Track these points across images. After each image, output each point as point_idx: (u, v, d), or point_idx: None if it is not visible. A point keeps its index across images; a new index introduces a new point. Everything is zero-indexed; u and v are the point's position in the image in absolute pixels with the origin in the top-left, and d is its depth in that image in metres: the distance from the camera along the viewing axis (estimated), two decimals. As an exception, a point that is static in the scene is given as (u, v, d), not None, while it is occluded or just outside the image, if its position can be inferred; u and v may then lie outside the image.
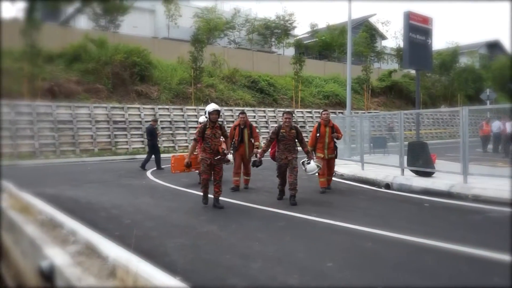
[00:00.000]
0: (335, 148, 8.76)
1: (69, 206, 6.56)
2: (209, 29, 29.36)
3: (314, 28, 39.85)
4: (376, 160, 11.36)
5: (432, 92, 37.88)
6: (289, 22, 34.91)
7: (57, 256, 3.60)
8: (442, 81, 38.97)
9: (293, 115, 9.09)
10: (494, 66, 44.47)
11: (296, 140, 7.42)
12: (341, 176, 10.74)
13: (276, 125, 20.00)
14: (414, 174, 9.22)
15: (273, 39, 35.29)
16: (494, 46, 52.83)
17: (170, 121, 21.67)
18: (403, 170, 9.40)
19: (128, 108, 20.93)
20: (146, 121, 21.06)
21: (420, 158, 9.08)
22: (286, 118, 7.43)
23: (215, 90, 25.09)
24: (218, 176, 6.84)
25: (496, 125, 17.94)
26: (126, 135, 20.31)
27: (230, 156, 7.46)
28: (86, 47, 21.57)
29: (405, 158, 9.40)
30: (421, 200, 7.50)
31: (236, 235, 4.92)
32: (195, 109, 22.97)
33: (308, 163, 7.56)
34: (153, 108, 21.61)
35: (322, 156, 8.47)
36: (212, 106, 6.87)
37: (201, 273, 3.85)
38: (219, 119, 7.12)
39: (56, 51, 20.88)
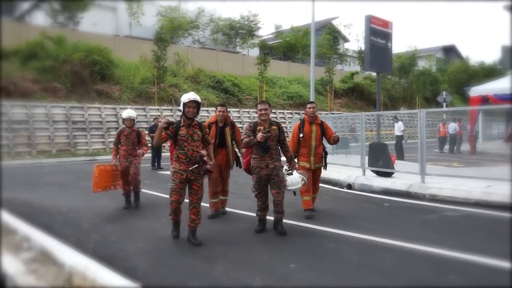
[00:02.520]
0: (325, 155, 6.55)
1: (24, 210, 6.27)
2: (173, 28, 28.95)
3: (279, 29, 40.14)
4: (339, 161, 11.56)
5: (392, 94, 39.04)
6: (253, 22, 34.98)
7: (9, 264, 3.44)
8: (402, 84, 40.25)
9: (271, 106, 5.91)
10: (450, 69, 46.44)
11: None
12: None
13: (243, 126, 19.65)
14: (375, 175, 9.45)
15: (237, 40, 35.26)
16: (450, 50, 55.12)
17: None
18: (364, 171, 9.61)
19: (88, 107, 20.30)
20: (107, 121, 20.58)
21: (380, 158, 9.32)
22: (262, 110, 5.36)
23: (179, 90, 24.76)
24: (197, 197, 4.88)
25: (452, 127, 18.72)
26: (86, 135, 19.69)
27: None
28: (43, 44, 20.74)
29: (366, 158, 9.63)
30: (381, 200, 7.69)
31: (199, 238, 4.86)
32: (158, 109, 22.58)
33: (290, 174, 5.54)
34: (114, 108, 21.07)
35: (308, 166, 6.29)
36: (189, 95, 4.86)
37: (163, 278, 3.77)
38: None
39: (11, 48, 19.96)
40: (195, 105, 4.88)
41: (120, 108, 21.11)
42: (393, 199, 7.66)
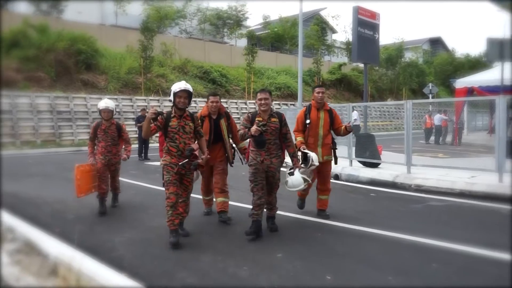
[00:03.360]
0: (334, 146, 5.73)
1: (8, 201, 6.17)
2: (160, 18, 28.61)
3: (267, 20, 39.96)
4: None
5: (379, 85, 39.28)
6: (241, 13, 34.79)
7: (-8, 256, 3.39)
8: (389, 75, 40.50)
9: (272, 94, 5.14)
10: (436, 61, 46.85)
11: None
12: (292, 167, 10.88)
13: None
14: (361, 165, 9.53)
15: (225, 30, 35.03)
16: (436, 42, 55.55)
17: (119, 112, 20.97)
18: (351, 161, 9.69)
19: (73, 97, 20.02)
20: (93, 111, 20.30)
21: (367, 149, 9.40)
22: (261, 100, 4.84)
23: (166, 80, 24.54)
24: (186, 192, 4.73)
25: (437, 118, 18.93)
26: (71, 126, 19.44)
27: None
28: (26, 32, 20.30)
29: (353, 149, 9.69)
30: (367, 190, 7.77)
31: (186, 228, 4.85)
32: (145, 100, 22.38)
33: (291, 174, 5.06)
34: (100, 98, 20.71)
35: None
36: (179, 85, 4.54)
37: (149, 268, 3.76)
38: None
39: (-7, 36, 19.51)
40: (187, 95, 4.55)
41: (107, 98, 20.82)
42: (380, 189, 7.74)
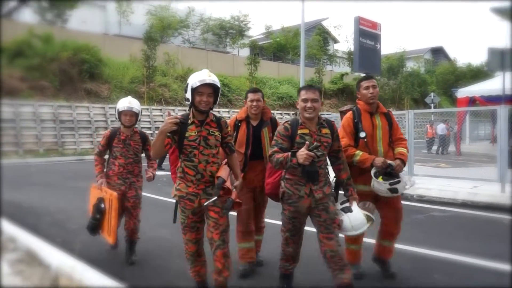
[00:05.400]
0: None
1: (9, 210, 6.20)
2: (163, 27, 28.80)
3: (269, 30, 40.20)
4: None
5: (381, 95, 39.25)
6: (244, 23, 34.97)
7: (-6, 266, 3.39)
8: (390, 85, 40.55)
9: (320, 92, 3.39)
10: (438, 71, 46.94)
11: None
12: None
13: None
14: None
15: (227, 40, 35.21)
16: (438, 52, 55.70)
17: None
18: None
19: (76, 106, 20.11)
20: (96, 120, 20.40)
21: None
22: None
23: (168, 90, 24.66)
24: (218, 232, 3.07)
25: (440, 128, 18.94)
26: (74, 135, 19.51)
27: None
28: (31, 42, 20.47)
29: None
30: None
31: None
32: (148, 109, 22.46)
33: (348, 210, 3.32)
34: (103, 107, 20.91)
35: (368, 189, 3.62)
36: (201, 75, 3.10)
37: (150, 279, 3.76)
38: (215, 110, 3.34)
39: (-3, 46, 19.70)
40: (212, 91, 3.11)
41: (109, 107, 20.95)
42: (381, 200, 7.71)
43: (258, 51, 36.00)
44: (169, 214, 4.59)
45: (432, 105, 23.29)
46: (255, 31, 47.83)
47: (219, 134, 3.20)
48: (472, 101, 15.66)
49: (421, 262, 4.17)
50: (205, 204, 3.06)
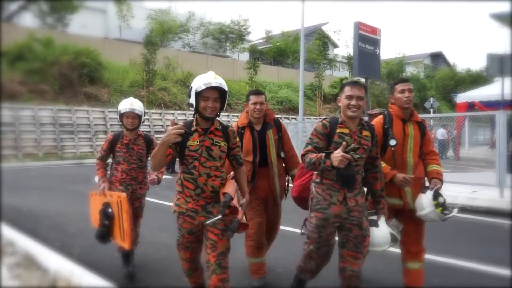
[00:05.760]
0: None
1: (8, 214, 6.19)
2: (163, 32, 28.90)
3: (269, 34, 40.30)
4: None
5: (381, 99, 39.33)
6: (244, 27, 35.09)
7: (-8, 270, 3.39)
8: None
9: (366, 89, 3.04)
10: (438, 76, 47.04)
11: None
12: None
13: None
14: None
15: (227, 44, 35.31)
16: (437, 57, 55.84)
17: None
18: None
19: (76, 110, 20.15)
20: (95, 124, 20.42)
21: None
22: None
23: (168, 94, 24.70)
24: (215, 254, 2.79)
25: (440, 133, 18.96)
26: (73, 138, 19.52)
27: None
28: (31, 46, 20.53)
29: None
30: (368, 205, 7.75)
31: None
32: (147, 113, 22.49)
33: (374, 224, 3.04)
34: (102, 111, 20.94)
35: (401, 205, 3.31)
36: (206, 78, 2.77)
37: (149, 282, 3.76)
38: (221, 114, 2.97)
39: (-2, 49, 19.75)
40: (218, 96, 2.81)
41: (109, 111, 20.97)
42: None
43: (258, 56, 36.09)
44: (168, 218, 4.60)
45: (431, 110, 23.33)
46: (255, 36, 47.92)
47: (224, 145, 2.87)
48: (471, 106, 15.69)
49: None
50: (207, 223, 2.76)
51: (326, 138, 2.90)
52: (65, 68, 20.91)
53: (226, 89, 2.82)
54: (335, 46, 44.98)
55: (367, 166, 3.02)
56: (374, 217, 3.05)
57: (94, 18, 28.31)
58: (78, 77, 21.50)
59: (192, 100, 2.80)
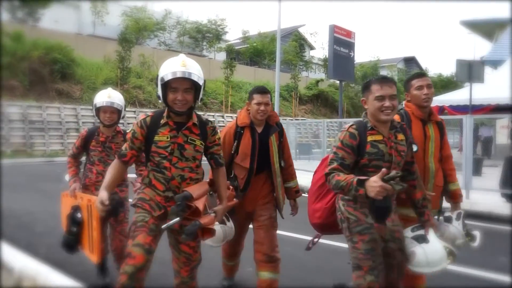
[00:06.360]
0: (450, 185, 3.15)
1: (-27, 213, 5.99)
2: (138, 29, 28.51)
3: (246, 35, 40.34)
4: (301, 166, 11.73)
5: (355, 102, 39.99)
6: (221, 27, 35.01)
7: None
8: (364, 92, 41.33)
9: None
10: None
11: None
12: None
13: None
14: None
15: (204, 43, 35.15)
16: (410, 61, 57.16)
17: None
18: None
19: (47, 107, 19.65)
20: (67, 122, 19.97)
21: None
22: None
23: (143, 92, 24.40)
24: (188, 269, 2.58)
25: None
26: (43, 136, 19.03)
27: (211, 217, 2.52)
28: (0, 40, 19.93)
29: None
30: (340, 205, 7.87)
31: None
32: (121, 111, 22.14)
33: (422, 240, 2.55)
34: (74, 108, 20.50)
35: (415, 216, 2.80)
36: (175, 63, 2.42)
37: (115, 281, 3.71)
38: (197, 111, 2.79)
39: (-35, 42, 19.09)
40: (190, 86, 2.42)
41: (81, 109, 20.56)
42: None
43: (234, 56, 36.08)
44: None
45: (403, 113, 23.84)
46: (232, 36, 47.91)
47: (201, 144, 2.51)
48: (441, 110, 16.11)
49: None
50: (163, 227, 2.37)
51: (354, 151, 2.41)
52: (35, 63, 20.38)
53: (201, 78, 2.45)
54: (312, 48, 45.41)
55: (403, 173, 2.48)
56: (421, 232, 2.58)
57: (67, 13, 27.68)
58: (49, 73, 20.99)
59: (159, 91, 2.45)
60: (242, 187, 3.17)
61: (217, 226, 2.77)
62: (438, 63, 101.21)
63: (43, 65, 20.71)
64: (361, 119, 2.56)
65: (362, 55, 53.60)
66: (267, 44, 37.49)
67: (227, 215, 3.09)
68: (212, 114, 26.83)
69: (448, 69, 72.20)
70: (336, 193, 2.61)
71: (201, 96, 2.53)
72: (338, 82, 22.83)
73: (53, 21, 24.65)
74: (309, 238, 4.72)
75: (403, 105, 3.16)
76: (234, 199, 2.87)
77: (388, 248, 2.47)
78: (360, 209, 2.46)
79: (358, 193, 2.23)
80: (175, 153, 2.45)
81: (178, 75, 2.36)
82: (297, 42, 39.48)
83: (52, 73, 21.06)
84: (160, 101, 2.48)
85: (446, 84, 41.90)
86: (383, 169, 2.19)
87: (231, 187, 2.92)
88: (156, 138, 2.45)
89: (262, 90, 3.32)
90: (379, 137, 2.44)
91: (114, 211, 2.58)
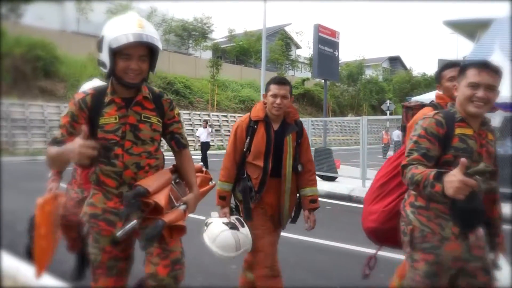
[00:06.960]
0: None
1: (-48, 212, 5.90)
2: (124, 26, 28.29)
3: (232, 33, 40.33)
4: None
5: (341, 101, 40.34)
6: (207, 25, 34.97)
7: None
8: (350, 91, 41.74)
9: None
10: (395, 79, 48.75)
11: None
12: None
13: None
14: (319, 179, 9.77)
15: (190, 41, 35.05)
16: (395, 60, 57.84)
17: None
18: (309, 174, 9.91)
19: (30, 105, 19.38)
20: (50, 120, 19.71)
21: (325, 163, 9.66)
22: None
23: (128, 90, 24.24)
24: (166, 264, 2.02)
25: (395, 134, 19.69)
26: (26, 134, 18.76)
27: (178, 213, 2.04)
28: (-19, 36, 19.59)
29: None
30: (323, 203, 7.91)
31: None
32: (105, 109, 21.96)
33: (495, 267, 2.05)
34: (58, 106, 20.26)
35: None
36: (125, 26, 1.90)
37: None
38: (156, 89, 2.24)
39: None
40: (145, 53, 2.00)
41: (65, 107, 20.27)
42: (336, 203, 7.96)
43: (220, 54, 36.06)
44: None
45: (387, 112, 24.15)
46: (218, 34, 47.80)
47: (158, 122, 2.04)
48: (424, 109, 16.34)
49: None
50: (118, 234, 1.88)
51: (441, 142, 1.92)
52: (18, 60, 20.07)
53: (159, 43, 1.99)
54: (298, 47, 45.62)
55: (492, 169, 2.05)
56: (491, 256, 2.10)
57: (50, 9, 27.27)
58: (32, 71, 20.70)
59: (105, 57, 1.94)
60: (256, 188, 2.78)
61: (227, 232, 2.53)
62: (422, 63, 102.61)
63: (26, 62, 20.41)
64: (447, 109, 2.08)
65: (348, 54, 54.20)
66: (253, 42, 37.54)
67: (241, 220, 2.71)
68: (198, 112, 26.78)
69: (432, 69, 73.29)
70: (399, 189, 2.25)
71: (155, 66, 2.11)
72: (323, 81, 23.04)
73: (37, 17, 24.28)
74: (320, 241, 4.82)
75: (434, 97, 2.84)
76: (211, 182, 2.47)
77: (467, 269, 1.95)
78: (435, 219, 1.94)
79: (433, 189, 1.70)
80: (128, 136, 1.96)
81: (134, 38, 1.85)
82: (283, 41, 39.65)
83: (35, 71, 20.78)
84: (104, 71, 1.99)
85: (430, 83, 42.54)
86: (462, 159, 1.61)
87: (204, 169, 2.54)
88: (102, 121, 1.95)
89: (280, 81, 2.78)
90: (469, 131, 1.96)
91: (124, 215, 1.89)
